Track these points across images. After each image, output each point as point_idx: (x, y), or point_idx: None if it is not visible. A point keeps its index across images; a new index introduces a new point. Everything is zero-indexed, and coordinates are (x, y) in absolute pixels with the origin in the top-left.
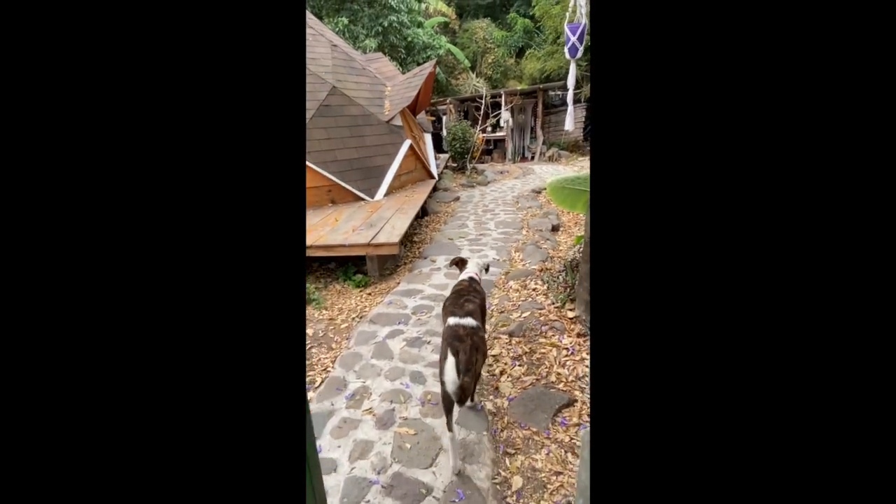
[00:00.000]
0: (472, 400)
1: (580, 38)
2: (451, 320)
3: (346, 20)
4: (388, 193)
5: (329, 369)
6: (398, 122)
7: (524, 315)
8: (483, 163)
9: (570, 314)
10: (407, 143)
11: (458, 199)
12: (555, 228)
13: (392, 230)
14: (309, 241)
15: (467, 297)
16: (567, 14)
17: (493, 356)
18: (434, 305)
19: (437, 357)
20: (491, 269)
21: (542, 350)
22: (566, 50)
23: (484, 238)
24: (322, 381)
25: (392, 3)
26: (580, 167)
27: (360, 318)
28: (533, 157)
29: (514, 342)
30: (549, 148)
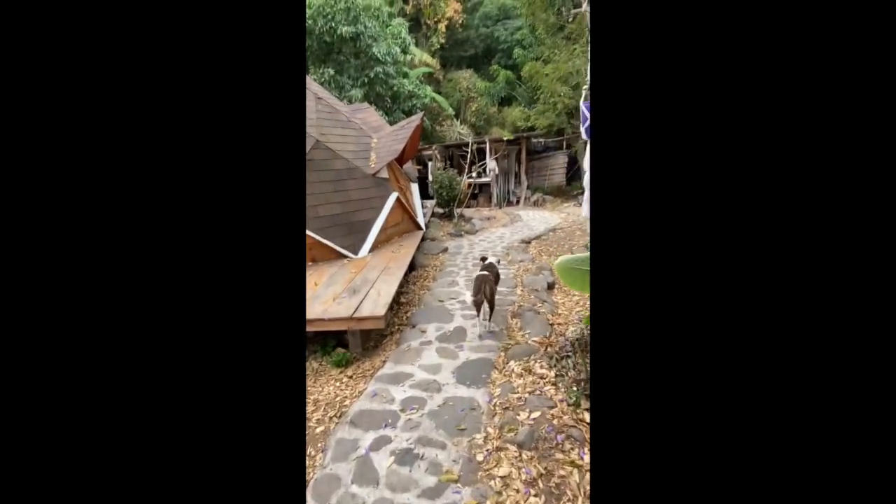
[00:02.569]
0: (490, 320)
1: None
2: (477, 274)
3: (332, 71)
4: (373, 248)
5: None
6: (384, 174)
7: (534, 416)
8: (469, 207)
9: (588, 415)
10: (393, 195)
11: (445, 250)
12: (550, 287)
13: (377, 297)
14: None
15: (487, 269)
16: (584, 92)
17: (502, 479)
18: (426, 397)
19: (434, 484)
20: (487, 341)
21: (561, 472)
22: (582, 129)
23: None
24: None
25: (378, 54)
26: (566, 213)
27: (340, 415)
28: (518, 202)
29: (524, 457)
30: (534, 193)
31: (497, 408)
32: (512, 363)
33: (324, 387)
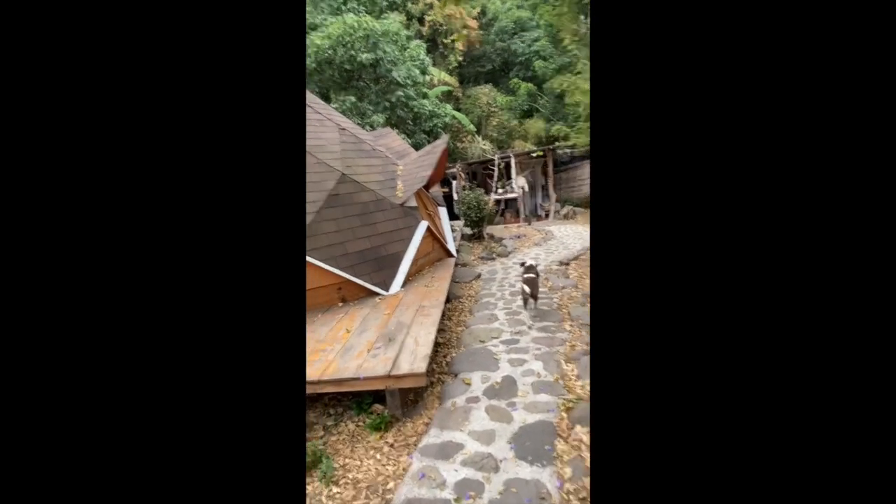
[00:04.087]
0: (535, 306)
1: None
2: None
3: (353, 98)
4: (405, 282)
5: None
6: (412, 202)
7: None
8: (497, 224)
9: None
10: (423, 225)
11: (479, 276)
12: None
13: (415, 348)
14: (316, 372)
15: (530, 271)
16: None
17: None
18: (482, 480)
19: None
20: (543, 396)
21: None
22: None
23: (522, 339)
24: None
25: (398, 78)
26: None
27: (383, 502)
28: (547, 216)
29: None
30: (563, 206)
31: (571, 497)
32: (578, 428)
33: (362, 459)
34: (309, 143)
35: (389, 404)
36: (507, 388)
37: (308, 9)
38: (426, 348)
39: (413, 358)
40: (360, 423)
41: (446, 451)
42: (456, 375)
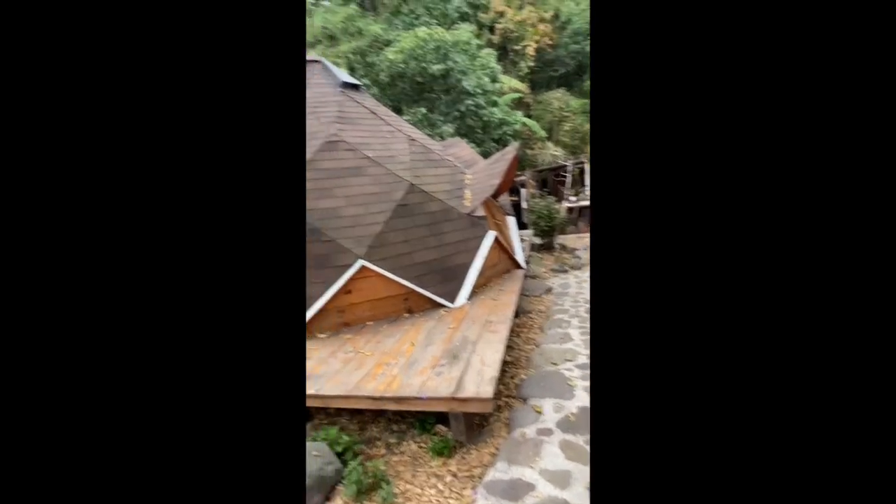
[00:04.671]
0: None
1: None
2: None
3: (423, 110)
4: (471, 295)
5: None
6: (480, 212)
7: None
8: (569, 233)
9: None
10: (491, 235)
11: (550, 290)
12: None
13: (481, 368)
14: (379, 387)
15: None
16: None
17: None
18: None
19: None
20: None
21: None
22: None
23: None
24: None
25: (468, 87)
26: None
27: None
28: None
29: None
30: None
31: None
32: None
33: (424, 487)
34: (379, 154)
35: (453, 428)
36: (583, 421)
37: (383, 26)
38: (493, 369)
39: (479, 380)
40: (423, 445)
41: (515, 491)
42: (525, 401)
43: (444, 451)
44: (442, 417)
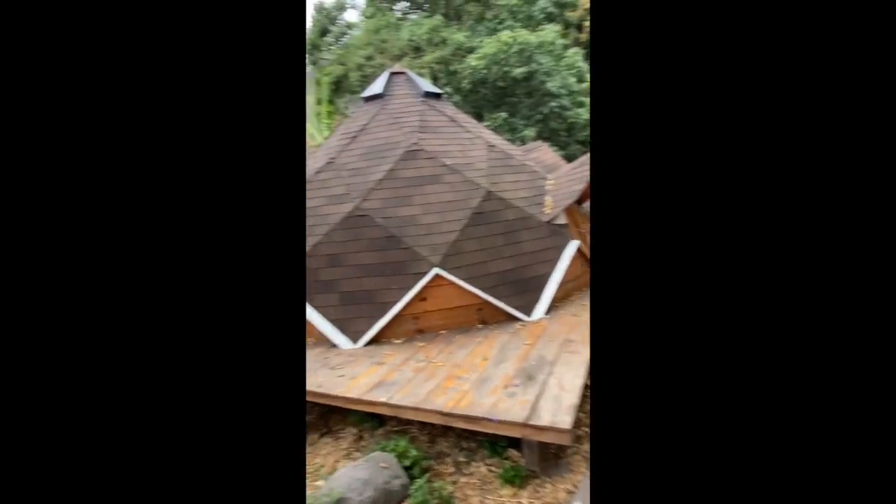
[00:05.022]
0: None
1: None
2: None
3: (504, 114)
4: (550, 308)
5: None
6: (561, 219)
7: None
8: None
9: None
10: (573, 244)
11: None
12: None
13: (559, 394)
14: (449, 402)
15: None
16: None
17: None
18: None
19: None
20: None
21: None
22: None
23: None
24: None
25: (552, 89)
26: None
27: None
28: None
29: None
30: None
31: None
32: None
33: None
34: (457, 161)
35: (526, 456)
36: None
37: (466, 34)
38: (573, 396)
39: (556, 407)
40: (494, 469)
41: None
42: None
43: (516, 479)
44: (515, 441)
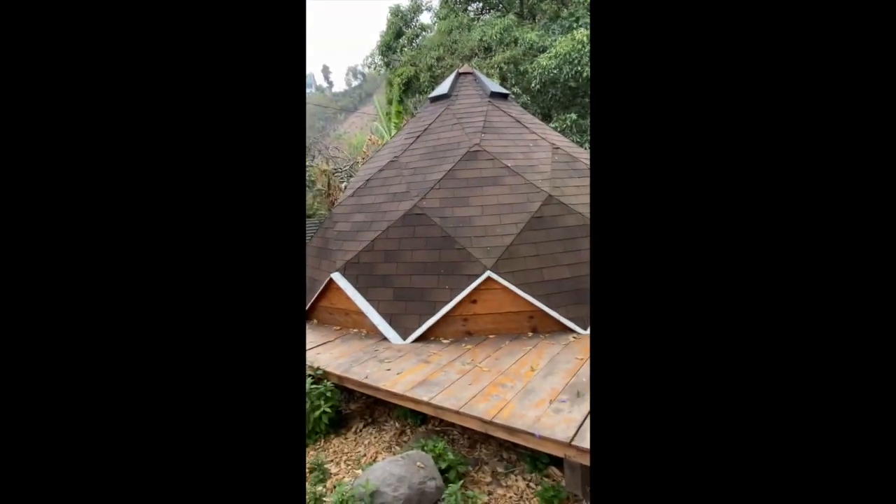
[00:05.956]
0: None
1: None
2: None
3: (574, 116)
4: None
5: None
6: None
7: None
8: None
9: None
10: None
11: None
12: None
13: None
14: (491, 410)
15: None
16: None
17: None
18: None
19: None
20: None
21: None
22: None
23: None
24: None
25: None
26: None
27: None
28: None
29: None
30: None
31: None
32: None
33: None
34: (519, 163)
35: (567, 477)
36: None
37: (539, 33)
38: None
39: None
40: (533, 485)
41: None
42: None
43: (555, 500)
44: (557, 459)
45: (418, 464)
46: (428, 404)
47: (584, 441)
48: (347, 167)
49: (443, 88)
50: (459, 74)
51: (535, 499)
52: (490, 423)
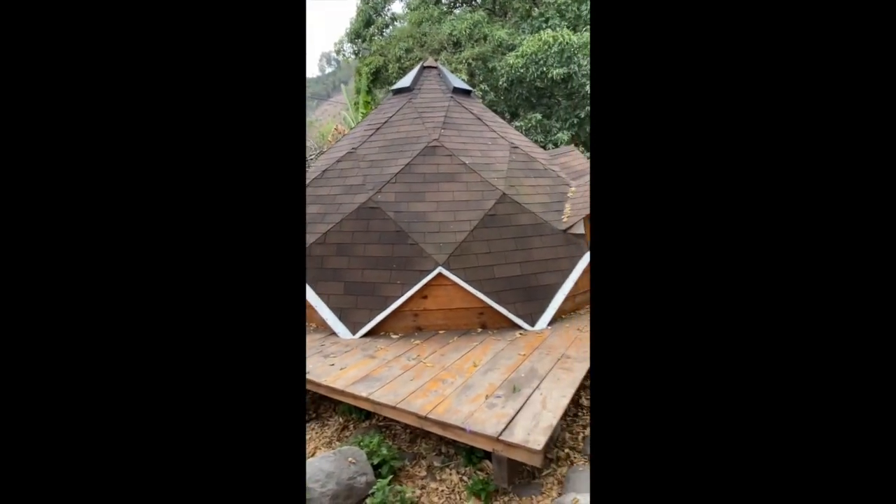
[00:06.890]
0: None
1: None
2: None
3: (539, 115)
4: (554, 319)
5: None
6: (579, 229)
7: None
8: None
9: None
10: (587, 256)
11: None
12: None
13: (540, 412)
14: (427, 406)
15: None
16: None
17: None
18: None
19: None
20: None
21: None
22: None
23: None
24: None
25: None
26: None
27: None
28: None
29: None
30: None
31: None
32: None
33: None
34: (477, 161)
35: (496, 472)
36: None
37: (509, 31)
38: (552, 416)
39: (533, 425)
40: (465, 479)
41: None
42: (587, 456)
43: (482, 493)
44: (490, 454)
45: (350, 459)
46: (367, 400)
47: (512, 436)
48: (314, 157)
49: (406, 81)
50: (424, 68)
51: (465, 492)
52: (425, 418)
